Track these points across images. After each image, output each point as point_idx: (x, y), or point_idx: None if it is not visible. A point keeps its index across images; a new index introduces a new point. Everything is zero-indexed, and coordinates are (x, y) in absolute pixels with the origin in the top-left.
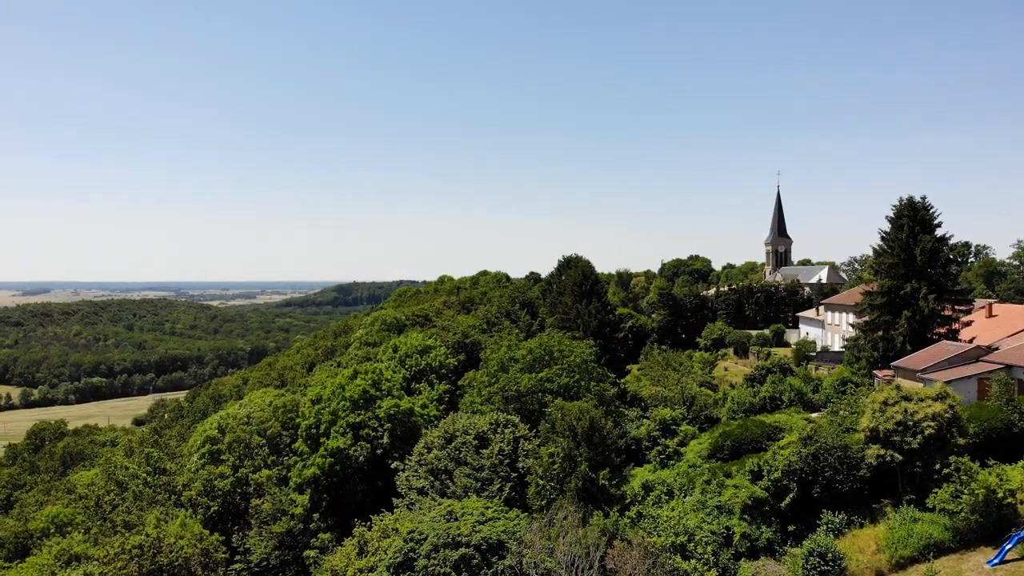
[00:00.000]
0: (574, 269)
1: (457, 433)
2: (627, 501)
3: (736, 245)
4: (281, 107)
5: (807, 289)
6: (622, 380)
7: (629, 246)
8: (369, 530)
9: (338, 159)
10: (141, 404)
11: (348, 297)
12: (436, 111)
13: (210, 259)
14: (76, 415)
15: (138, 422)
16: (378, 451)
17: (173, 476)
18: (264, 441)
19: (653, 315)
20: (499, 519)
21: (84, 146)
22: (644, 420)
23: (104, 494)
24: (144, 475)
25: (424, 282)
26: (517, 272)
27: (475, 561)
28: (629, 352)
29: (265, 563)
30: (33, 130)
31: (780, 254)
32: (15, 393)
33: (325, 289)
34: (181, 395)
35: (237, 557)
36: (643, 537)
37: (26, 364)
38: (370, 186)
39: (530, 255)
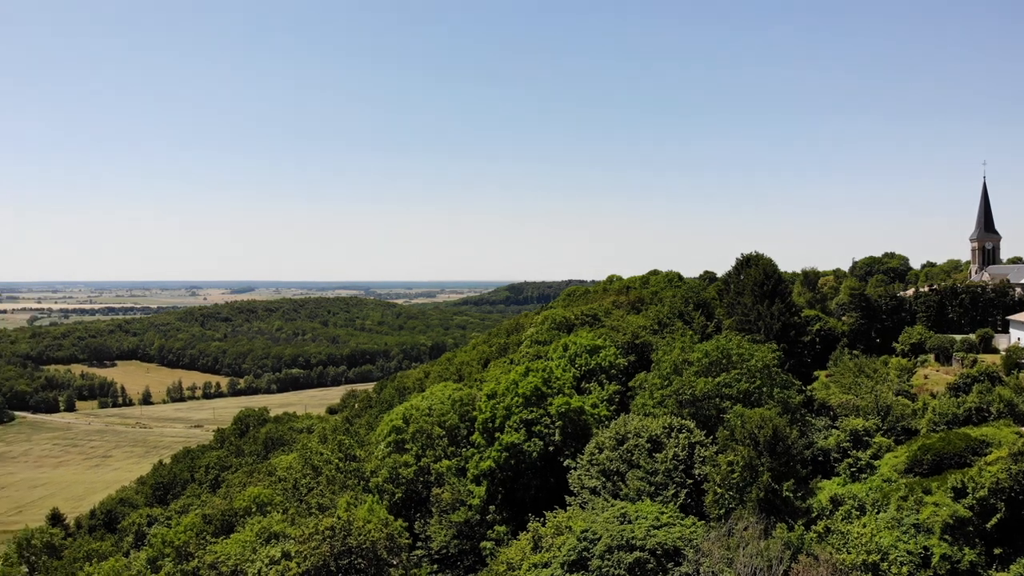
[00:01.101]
0: (754, 268)
1: (629, 435)
2: (813, 515)
3: (937, 241)
4: (473, 112)
5: (1018, 290)
6: (808, 387)
7: (815, 243)
8: (543, 526)
9: (509, 161)
10: (334, 394)
11: (519, 296)
12: (605, 105)
13: (396, 260)
14: (277, 403)
15: (331, 411)
16: (550, 448)
17: (362, 463)
18: (444, 432)
19: (843, 318)
20: (675, 525)
21: (293, 156)
22: (833, 430)
23: (301, 477)
24: (336, 461)
25: (593, 282)
26: (690, 271)
27: (650, 566)
28: (816, 357)
29: (444, 551)
30: (247, 139)
31: (987, 251)
32: (224, 382)
33: (498, 288)
34: (369, 386)
35: (419, 543)
36: (831, 553)
37: (234, 356)
38: (540, 187)
39: (704, 254)
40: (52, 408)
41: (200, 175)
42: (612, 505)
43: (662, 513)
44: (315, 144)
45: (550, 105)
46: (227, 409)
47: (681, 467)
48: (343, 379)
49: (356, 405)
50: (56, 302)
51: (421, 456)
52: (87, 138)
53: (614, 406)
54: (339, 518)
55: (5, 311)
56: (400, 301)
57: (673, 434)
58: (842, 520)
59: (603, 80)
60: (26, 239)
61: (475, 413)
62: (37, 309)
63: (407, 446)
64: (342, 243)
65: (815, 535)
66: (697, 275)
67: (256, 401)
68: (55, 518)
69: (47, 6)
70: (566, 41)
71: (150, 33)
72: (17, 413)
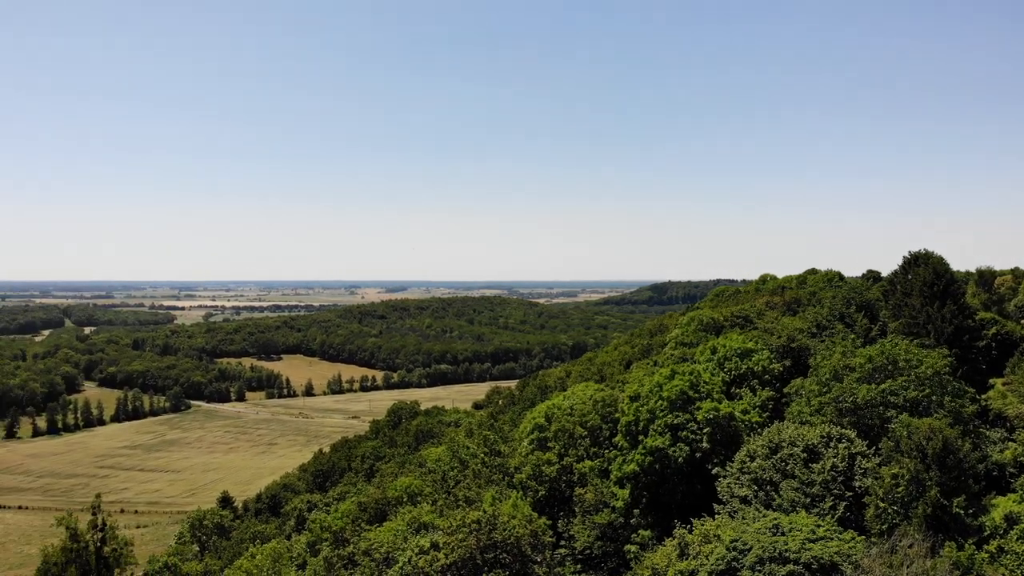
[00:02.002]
0: (923, 267)
1: (783, 443)
2: (986, 534)
3: None
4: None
5: None
6: (983, 396)
7: (989, 239)
8: (690, 533)
9: (647, 160)
10: (479, 390)
11: (663, 296)
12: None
13: (538, 260)
14: (427, 397)
15: (477, 406)
16: (697, 454)
17: (506, 459)
18: (586, 433)
19: (1023, 321)
20: (832, 539)
21: (434, 163)
22: (1009, 443)
23: (449, 470)
24: (482, 455)
25: (743, 281)
26: (851, 270)
27: None
28: (992, 364)
29: (587, 552)
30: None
31: None
32: (379, 376)
33: (641, 288)
34: (512, 384)
35: (562, 542)
36: None
37: (388, 351)
38: (683, 185)
39: (867, 252)
40: (224, 398)
41: (358, 186)
42: (764, 515)
43: (818, 526)
44: (456, 150)
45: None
46: (381, 401)
47: (840, 479)
48: (488, 376)
49: (500, 402)
50: (229, 300)
51: (563, 455)
52: (264, 152)
53: (767, 413)
54: (485, 512)
55: (184, 308)
56: (542, 300)
57: (832, 444)
58: (1017, 540)
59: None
60: (203, 244)
61: (617, 415)
62: (212, 307)
63: (549, 444)
64: (487, 244)
65: (987, 556)
66: (859, 274)
67: (408, 394)
68: (225, 501)
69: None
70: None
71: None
72: (193, 402)
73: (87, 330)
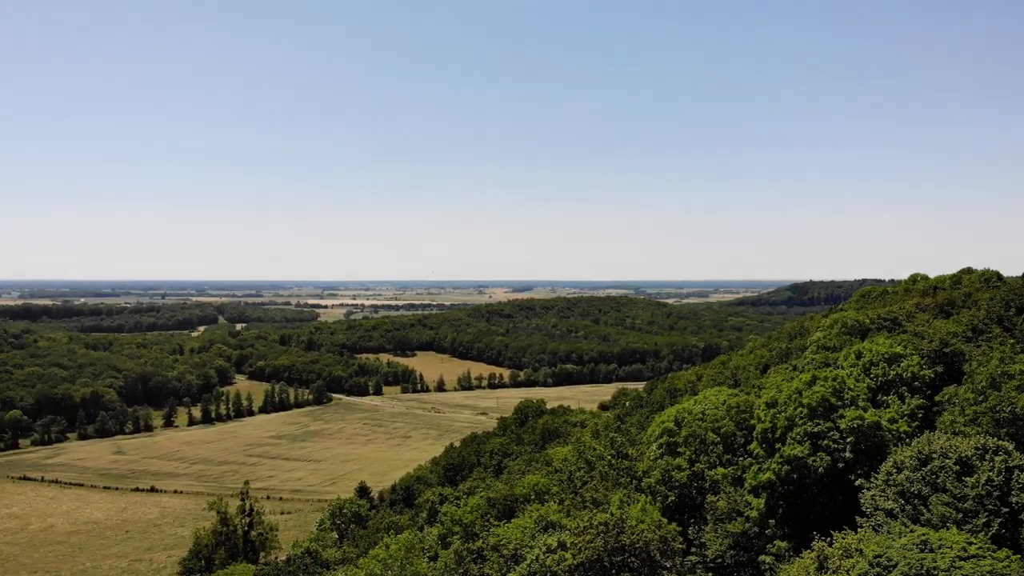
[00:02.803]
0: None
1: (934, 455)
2: None
3: None
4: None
5: None
6: None
7: None
8: (829, 546)
9: (786, 158)
10: (606, 391)
11: (803, 297)
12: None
13: (667, 259)
14: (552, 396)
15: (603, 407)
16: (839, 464)
17: (634, 462)
18: (718, 439)
19: None
20: (985, 557)
21: (567, 164)
22: None
23: (575, 470)
24: (609, 457)
25: (891, 281)
26: (1011, 270)
27: None
28: None
29: (719, 560)
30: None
31: None
32: (506, 373)
33: (779, 288)
34: (639, 386)
35: (692, 549)
36: None
37: (514, 350)
38: (824, 183)
39: None
40: (363, 392)
41: (486, 189)
42: (911, 531)
43: (970, 543)
44: (583, 148)
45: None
46: (508, 399)
47: (995, 493)
48: (614, 376)
49: (627, 403)
50: (368, 299)
51: (694, 461)
52: (400, 160)
53: (916, 422)
54: (612, 514)
55: (327, 307)
56: (671, 301)
57: (987, 456)
58: None
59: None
60: (345, 246)
61: (752, 421)
62: (352, 305)
63: (680, 449)
64: (613, 244)
65: None
66: (1020, 274)
67: (534, 393)
68: (362, 491)
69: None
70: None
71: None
72: (334, 395)
73: (238, 327)
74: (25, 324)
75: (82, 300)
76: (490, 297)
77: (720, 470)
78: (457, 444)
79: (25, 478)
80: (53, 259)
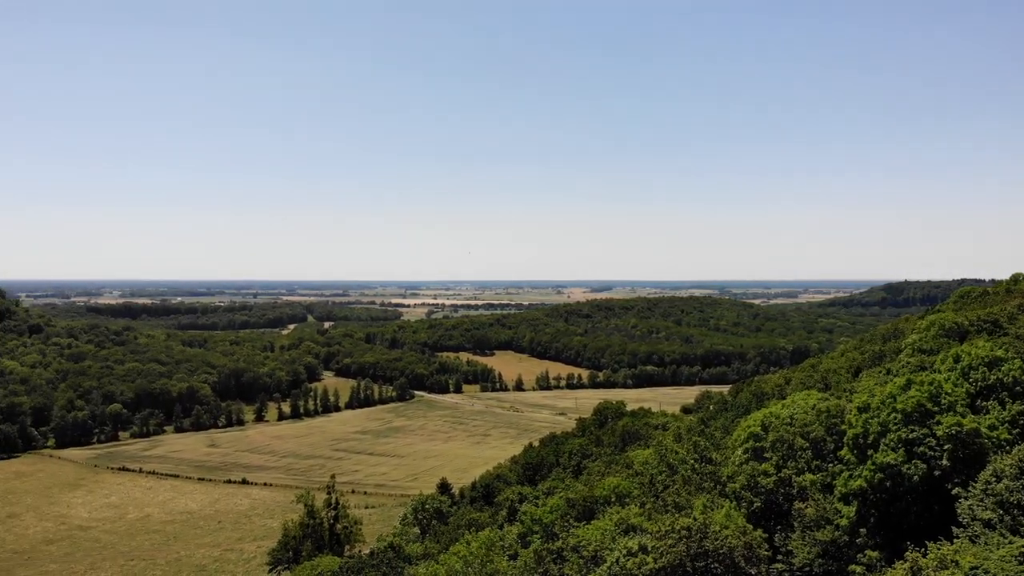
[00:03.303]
0: None
1: None
2: None
3: None
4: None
5: None
6: None
7: None
8: (924, 557)
9: (881, 154)
10: (688, 394)
11: (898, 297)
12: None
13: (753, 259)
14: (632, 398)
15: (686, 410)
16: (935, 472)
17: (718, 466)
18: (807, 444)
19: None
20: None
21: (645, 165)
22: None
23: (657, 474)
24: (692, 461)
25: (992, 281)
26: None
27: None
28: None
29: (807, 569)
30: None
31: None
32: (584, 374)
33: (872, 288)
34: (724, 389)
35: (779, 557)
36: None
37: (593, 350)
38: (918, 173)
39: None
40: (443, 389)
41: (574, 194)
42: (1010, 542)
43: None
44: (658, 147)
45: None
46: (587, 400)
47: None
48: (697, 379)
49: (711, 407)
50: (448, 298)
51: (782, 467)
52: (477, 162)
53: (1017, 429)
54: (695, 519)
55: (409, 306)
56: (757, 301)
57: None
58: None
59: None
60: (427, 247)
61: (843, 427)
62: (433, 304)
63: (766, 455)
64: (696, 244)
65: None
66: None
67: (613, 394)
68: (443, 487)
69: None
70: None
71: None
72: (416, 392)
73: (326, 325)
74: (126, 322)
75: (179, 299)
76: (568, 297)
77: (808, 476)
78: (536, 444)
79: (124, 469)
80: (152, 260)
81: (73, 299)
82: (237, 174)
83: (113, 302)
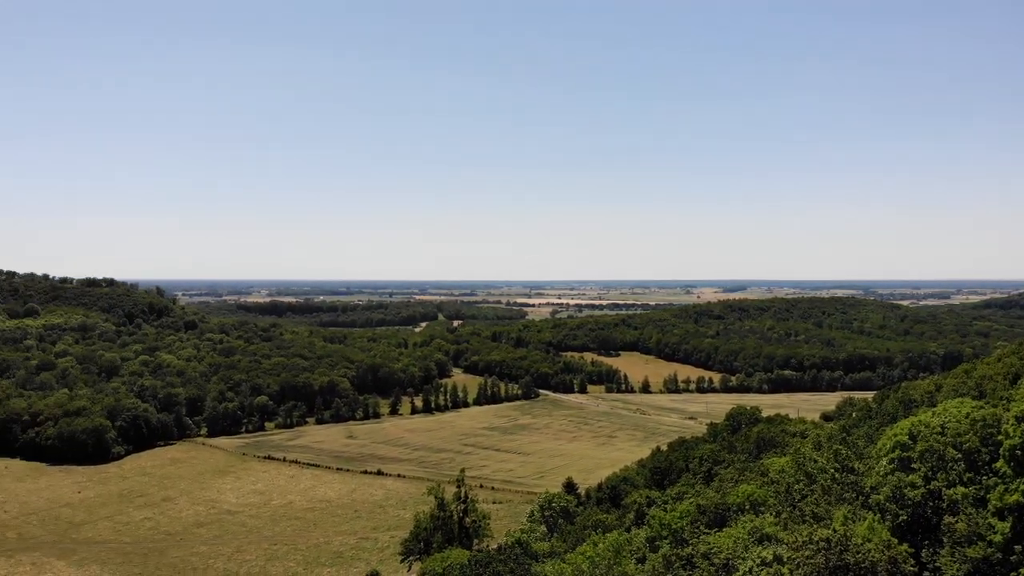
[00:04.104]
0: None
1: None
2: None
3: None
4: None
5: None
6: None
7: None
8: None
9: None
10: (829, 400)
11: None
12: None
13: (901, 257)
14: (768, 403)
15: (826, 417)
16: None
17: (860, 476)
18: (959, 455)
19: None
20: None
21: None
22: None
23: (794, 482)
24: (832, 471)
25: None
26: None
27: None
28: None
29: None
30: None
31: None
32: (716, 378)
33: None
34: (868, 395)
35: (925, 574)
36: None
37: (725, 353)
38: None
39: None
40: (568, 389)
41: (705, 191)
42: None
43: None
44: (796, 138)
45: None
46: (719, 404)
47: None
48: (838, 385)
49: (853, 414)
50: (572, 298)
51: (931, 478)
52: (599, 161)
53: None
54: (835, 531)
55: (534, 305)
56: (905, 303)
57: None
58: None
59: None
60: (552, 247)
61: (1000, 437)
62: (558, 304)
63: (914, 465)
64: (838, 241)
65: None
66: None
67: (746, 399)
68: (569, 486)
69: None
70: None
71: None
72: (541, 391)
73: (455, 323)
74: (272, 319)
75: (321, 298)
76: (698, 297)
77: (960, 489)
78: (664, 448)
79: (269, 457)
80: (297, 262)
81: (225, 298)
82: (376, 182)
83: (261, 300)
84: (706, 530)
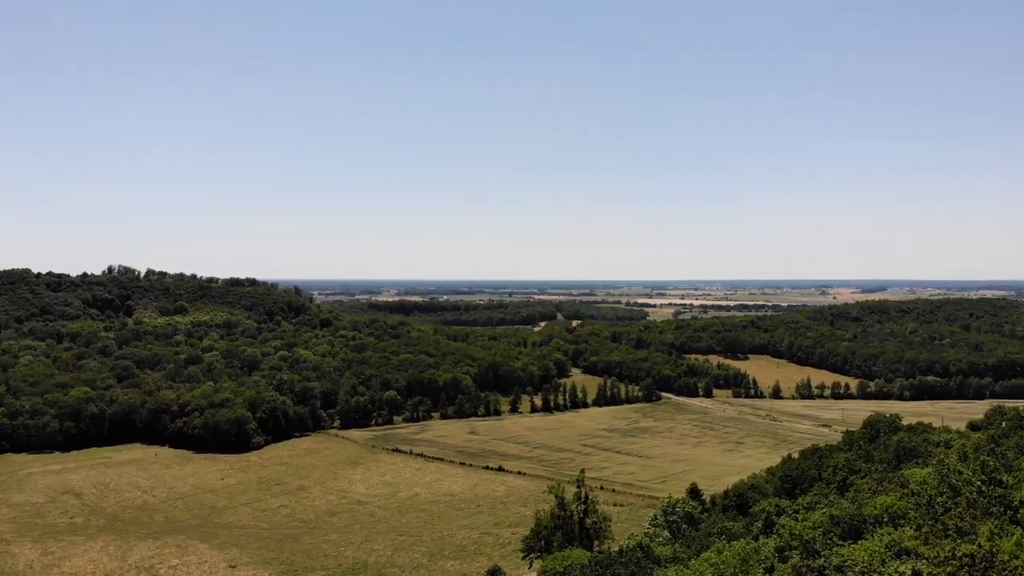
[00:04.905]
0: None
1: None
2: None
3: None
4: None
5: None
6: None
7: None
8: None
9: None
10: (976, 408)
11: None
12: None
13: None
14: (909, 411)
15: (973, 426)
16: None
17: (1009, 490)
18: None
19: None
20: None
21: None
22: None
23: (936, 495)
24: (978, 483)
25: None
26: None
27: None
28: None
29: None
30: None
31: None
32: (853, 383)
33: None
34: (1020, 404)
35: None
36: None
37: (863, 357)
38: None
39: None
40: (691, 392)
41: (842, 185)
42: None
43: None
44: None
45: None
46: (855, 411)
47: None
48: (987, 392)
49: (1004, 423)
50: (696, 299)
51: None
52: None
53: None
54: (980, 546)
55: (655, 306)
56: None
57: None
58: None
59: None
60: (673, 247)
61: None
62: (680, 305)
63: None
64: (985, 237)
65: None
66: None
67: (885, 406)
68: (694, 492)
69: None
70: None
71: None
72: (663, 394)
73: (574, 323)
74: (400, 317)
75: (445, 297)
76: (834, 298)
77: None
78: (796, 455)
79: (397, 450)
80: (423, 262)
81: (357, 297)
82: (498, 188)
83: (390, 299)
84: (840, 542)
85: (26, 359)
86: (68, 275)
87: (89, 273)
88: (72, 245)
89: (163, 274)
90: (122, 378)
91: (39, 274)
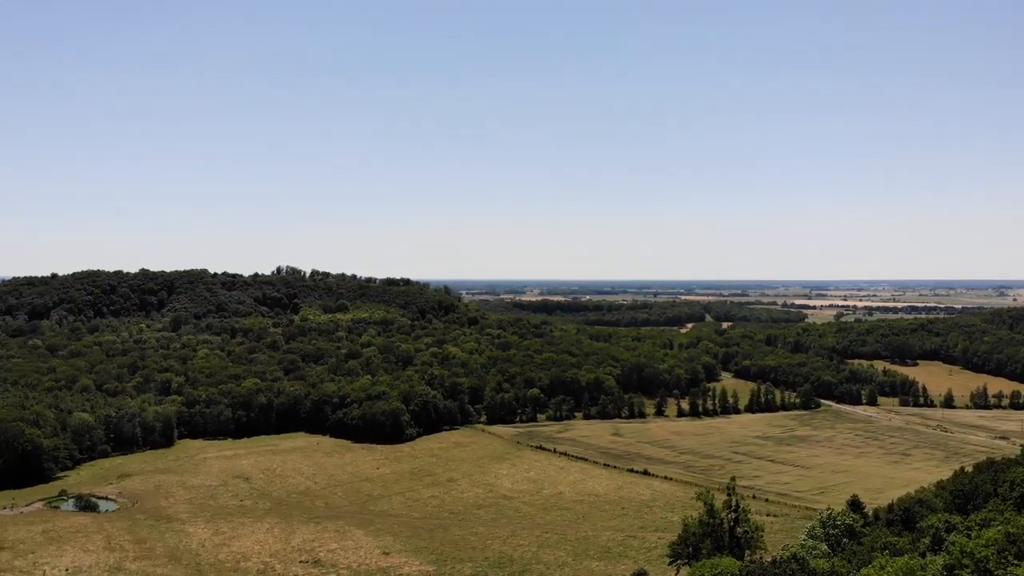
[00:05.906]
0: None
1: None
2: None
3: None
4: None
5: None
6: None
7: None
8: None
9: None
10: None
11: None
12: None
13: None
14: None
15: None
16: None
17: None
18: None
19: None
20: None
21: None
22: None
23: None
24: None
25: None
26: None
27: None
28: None
29: None
30: None
31: None
32: None
33: None
34: None
35: None
36: None
37: None
38: None
39: None
40: (854, 400)
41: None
42: None
43: None
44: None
45: None
46: None
47: None
48: None
49: None
50: (860, 300)
51: None
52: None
53: None
54: None
55: (815, 307)
56: None
57: None
58: None
59: None
60: (835, 245)
61: None
62: (843, 306)
63: None
64: None
65: None
66: None
67: None
68: (854, 504)
69: None
70: None
71: None
72: (823, 401)
73: (724, 325)
74: (543, 316)
75: (587, 297)
76: (1014, 300)
77: None
78: (969, 468)
79: (541, 448)
80: (566, 262)
81: (502, 296)
82: (636, 189)
83: (533, 299)
84: (1015, 561)
85: (203, 352)
86: (241, 275)
87: (260, 273)
88: (244, 247)
89: (326, 274)
90: (289, 371)
91: (215, 274)
